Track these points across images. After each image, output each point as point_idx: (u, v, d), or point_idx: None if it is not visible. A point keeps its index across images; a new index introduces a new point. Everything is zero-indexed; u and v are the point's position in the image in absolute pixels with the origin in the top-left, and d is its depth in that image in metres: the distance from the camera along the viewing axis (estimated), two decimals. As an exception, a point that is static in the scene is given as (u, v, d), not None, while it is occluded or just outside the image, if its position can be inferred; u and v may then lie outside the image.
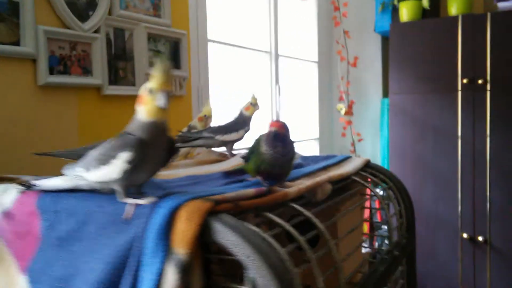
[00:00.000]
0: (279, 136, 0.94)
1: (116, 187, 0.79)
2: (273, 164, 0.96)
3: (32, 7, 1.37)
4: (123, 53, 1.68)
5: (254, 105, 1.49)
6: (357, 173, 1.32)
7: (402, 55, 2.77)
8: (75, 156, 0.90)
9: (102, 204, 0.80)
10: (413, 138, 2.75)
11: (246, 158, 1.03)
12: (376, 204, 2.80)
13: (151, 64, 1.78)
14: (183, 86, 1.95)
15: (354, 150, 3.27)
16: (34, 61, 1.39)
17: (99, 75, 1.57)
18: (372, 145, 3.33)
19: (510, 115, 2.50)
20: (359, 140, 3.29)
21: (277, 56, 2.82)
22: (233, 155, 1.50)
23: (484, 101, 2.55)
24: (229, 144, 1.49)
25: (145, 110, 0.77)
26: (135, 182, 0.81)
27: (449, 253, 2.67)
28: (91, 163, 0.80)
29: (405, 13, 2.80)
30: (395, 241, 1.34)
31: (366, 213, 2.47)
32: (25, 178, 1.00)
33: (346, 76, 3.30)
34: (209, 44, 2.18)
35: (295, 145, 1.00)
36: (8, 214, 0.88)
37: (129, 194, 0.80)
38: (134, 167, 0.77)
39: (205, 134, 1.46)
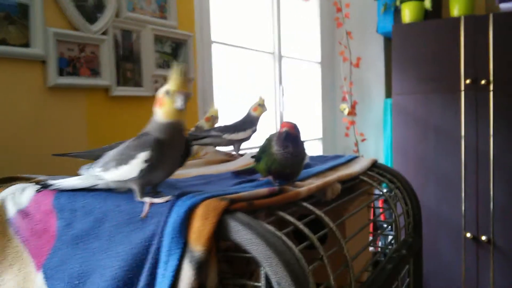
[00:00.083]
0: (290, 137, 0.96)
1: (134, 186, 0.81)
2: (284, 164, 0.97)
3: (42, 9, 1.38)
4: (130, 55, 1.70)
5: (261, 106, 1.51)
6: (364, 173, 1.33)
7: (405, 56, 2.78)
8: (93, 156, 0.92)
9: (119, 203, 0.81)
10: (416, 138, 2.77)
11: (256, 158, 1.05)
12: (380, 204, 2.81)
13: (157, 65, 1.80)
14: (189, 87, 1.97)
15: (358, 150, 3.28)
16: (43, 62, 1.41)
17: (107, 76, 1.59)
18: (375, 145, 3.34)
19: (513, 115, 2.51)
20: (362, 140, 3.30)
21: (280, 57, 2.84)
22: (241, 154, 1.52)
23: (487, 101, 2.56)
24: (236, 143, 1.50)
25: (163, 111, 0.78)
26: (153, 181, 0.82)
27: (452, 252, 2.68)
28: (110, 163, 0.82)
29: (407, 14, 2.81)
30: (402, 240, 1.36)
31: (372, 213, 2.48)
32: (41, 177, 1.02)
33: (349, 76, 3.32)
34: (213, 46, 2.20)
35: (305, 144, 1.02)
36: (25, 213, 0.90)
37: (145, 193, 0.81)
38: (152, 166, 0.78)
39: (213, 133, 1.48)
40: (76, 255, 0.83)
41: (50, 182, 0.90)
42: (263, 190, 0.87)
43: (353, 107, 3.29)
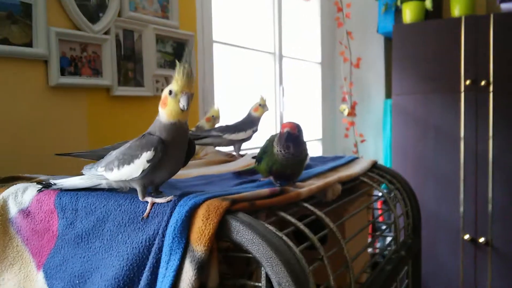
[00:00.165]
0: (292, 137, 0.96)
1: (136, 186, 0.82)
2: (286, 164, 0.98)
3: (44, 9, 1.39)
4: (132, 54, 1.70)
5: (262, 106, 1.51)
6: (365, 174, 1.34)
7: (405, 56, 2.79)
8: (95, 156, 0.92)
9: (121, 203, 0.82)
10: (415, 138, 2.77)
11: (258, 158, 1.05)
12: (378, 205, 2.82)
13: (159, 65, 1.80)
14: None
15: (357, 151, 3.29)
16: (45, 62, 1.41)
17: (108, 76, 1.59)
18: (375, 146, 3.34)
19: (513, 116, 2.52)
20: (362, 141, 3.31)
21: (281, 57, 2.84)
22: (241, 155, 1.52)
23: (487, 102, 2.56)
24: (237, 143, 1.51)
25: (166, 111, 0.79)
26: (155, 181, 0.83)
27: (450, 254, 2.69)
28: (113, 162, 0.82)
29: (408, 14, 2.82)
30: (401, 241, 1.36)
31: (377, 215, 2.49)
32: (43, 177, 1.02)
33: (349, 77, 3.32)
34: (215, 45, 2.20)
35: (307, 146, 1.02)
36: (26, 213, 0.90)
37: (147, 194, 0.82)
38: (155, 166, 0.79)
39: (214, 133, 1.48)
40: (77, 254, 0.84)
41: (52, 181, 0.91)
42: (265, 190, 0.87)
43: (353, 107, 3.29)
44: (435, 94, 2.70)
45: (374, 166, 1.46)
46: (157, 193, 0.85)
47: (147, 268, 0.74)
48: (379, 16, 3.04)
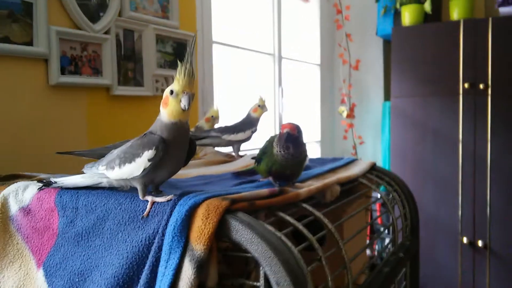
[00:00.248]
0: (292, 138, 0.96)
1: (137, 185, 0.82)
2: (285, 165, 0.98)
3: (45, 8, 1.39)
4: (132, 54, 1.70)
5: (262, 107, 1.52)
6: (363, 175, 1.34)
7: (404, 59, 2.79)
8: (96, 155, 0.92)
9: (121, 202, 0.82)
10: (414, 141, 2.78)
11: (257, 159, 1.06)
12: (377, 207, 2.83)
13: (158, 65, 1.81)
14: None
15: (356, 153, 3.30)
16: (46, 61, 1.42)
17: (108, 76, 1.59)
18: (374, 148, 3.35)
19: (511, 119, 2.53)
20: (361, 143, 3.31)
21: (280, 58, 2.85)
22: (240, 155, 1.53)
23: (485, 105, 2.57)
24: (235, 144, 1.51)
25: (167, 111, 0.79)
26: (156, 180, 0.83)
27: (448, 256, 2.69)
28: (115, 161, 0.83)
29: (407, 17, 2.83)
30: (400, 243, 1.37)
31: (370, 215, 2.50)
32: (44, 176, 1.02)
33: (348, 79, 3.33)
34: (214, 46, 2.21)
35: (307, 146, 1.02)
36: (27, 210, 0.90)
37: (148, 193, 0.82)
38: (156, 165, 0.79)
39: (213, 134, 1.49)
40: (77, 252, 0.84)
41: (53, 180, 0.91)
42: (264, 190, 0.88)
43: (351, 109, 3.30)
44: (433, 97, 2.71)
45: (373, 168, 1.47)
46: (157, 192, 0.85)
47: (146, 267, 0.75)
48: (378, 19, 3.05)
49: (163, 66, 1.83)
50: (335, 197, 1.09)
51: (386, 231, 2.73)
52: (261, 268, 0.72)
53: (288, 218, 0.86)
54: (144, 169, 0.79)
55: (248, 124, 1.52)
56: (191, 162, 1.44)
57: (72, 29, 1.48)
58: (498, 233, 2.56)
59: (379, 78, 3.32)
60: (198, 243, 0.72)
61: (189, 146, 0.85)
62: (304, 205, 0.94)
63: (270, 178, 1.03)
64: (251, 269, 0.91)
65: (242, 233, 0.72)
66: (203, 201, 0.76)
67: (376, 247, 2.78)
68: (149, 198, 0.80)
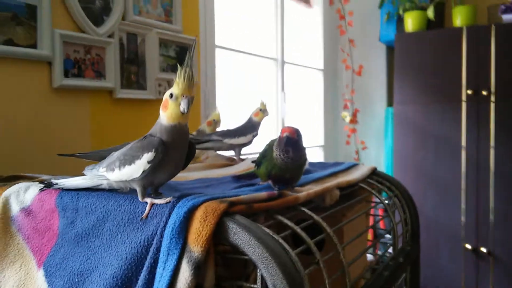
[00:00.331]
0: (291, 142, 0.97)
1: (136, 187, 0.83)
2: (284, 169, 0.99)
3: (49, 11, 1.41)
4: (135, 58, 1.72)
5: (263, 111, 1.52)
6: (364, 180, 1.35)
7: (407, 65, 2.80)
8: (97, 157, 0.93)
9: (121, 203, 0.83)
10: (416, 147, 2.78)
11: (257, 162, 1.06)
12: (379, 212, 2.82)
13: (161, 69, 1.82)
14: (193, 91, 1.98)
15: (358, 158, 3.30)
16: (49, 64, 1.43)
17: (111, 79, 1.61)
18: (376, 153, 3.35)
19: (514, 126, 2.53)
20: (363, 149, 3.32)
21: (283, 63, 2.86)
22: (242, 159, 1.53)
23: (488, 112, 2.57)
24: (237, 147, 1.52)
25: (167, 114, 0.80)
26: (155, 182, 0.84)
27: (451, 262, 2.69)
28: (115, 163, 0.83)
29: (410, 23, 2.84)
30: (400, 248, 1.37)
31: (371, 220, 2.49)
32: (45, 177, 1.03)
33: (351, 84, 3.34)
34: (217, 50, 2.22)
35: (306, 151, 1.03)
36: (28, 211, 0.91)
37: (147, 195, 0.83)
38: (156, 167, 0.80)
39: (214, 137, 1.50)
40: (77, 253, 0.85)
41: (54, 181, 0.92)
42: (263, 194, 0.88)
43: (354, 115, 3.31)
44: (436, 103, 2.71)
45: (374, 173, 1.47)
46: (157, 195, 0.86)
47: (145, 268, 0.75)
48: (381, 25, 3.06)
49: (166, 70, 1.84)
50: (334, 201, 1.10)
51: (388, 236, 2.73)
52: (258, 270, 0.73)
53: (286, 221, 0.86)
54: (143, 171, 0.80)
55: (250, 128, 1.53)
56: (192, 165, 1.45)
57: (76, 32, 1.49)
58: (501, 239, 2.55)
59: (382, 84, 3.33)
60: (195, 245, 0.72)
61: (188, 149, 0.85)
62: (303, 208, 0.95)
63: (270, 182, 1.03)
64: (250, 272, 0.92)
65: (239, 236, 0.73)
66: (201, 203, 0.76)
67: (379, 252, 2.77)
68: (148, 200, 0.81)
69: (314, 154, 3.29)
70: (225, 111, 2.30)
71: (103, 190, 0.89)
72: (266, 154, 1.03)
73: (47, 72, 1.43)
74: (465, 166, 2.63)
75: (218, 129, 1.68)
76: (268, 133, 2.69)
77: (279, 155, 0.98)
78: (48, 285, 0.85)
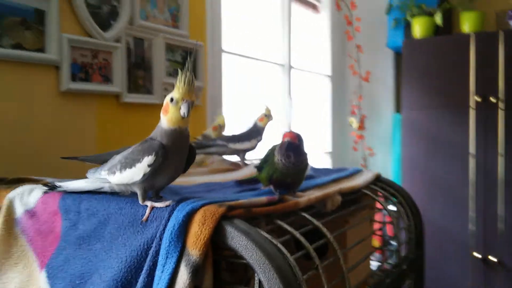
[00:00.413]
0: (293, 146, 0.97)
1: (137, 190, 0.84)
2: (286, 173, 0.99)
3: (57, 16, 1.43)
4: (142, 62, 1.73)
5: (267, 116, 1.53)
6: (367, 186, 1.34)
7: (415, 71, 2.79)
8: (99, 161, 0.94)
9: (122, 206, 0.84)
10: (424, 154, 2.76)
11: (259, 167, 1.07)
12: (388, 219, 2.81)
13: (168, 74, 1.83)
14: (199, 96, 2.00)
15: (365, 165, 3.29)
16: (57, 67, 1.45)
17: (118, 83, 1.62)
18: (384, 160, 3.34)
19: (522, 133, 2.51)
20: (371, 155, 3.31)
21: (290, 68, 2.86)
22: (246, 164, 1.54)
23: (496, 119, 2.55)
24: (241, 152, 1.53)
25: (167, 118, 0.81)
26: (157, 185, 0.85)
27: (459, 271, 2.65)
28: (116, 166, 0.85)
29: (418, 30, 2.83)
30: (403, 255, 1.36)
31: (377, 227, 2.48)
32: (49, 180, 1.05)
33: (358, 90, 3.34)
34: (224, 55, 2.23)
35: (308, 156, 1.03)
36: (31, 213, 0.93)
37: (148, 198, 0.84)
38: (156, 170, 0.81)
39: (219, 142, 1.50)
40: (78, 255, 0.86)
41: (57, 184, 0.93)
42: (263, 198, 0.89)
43: (362, 121, 3.30)
44: (444, 110, 2.70)
45: (378, 179, 1.47)
46: (158, 198, 0.87)
47: (144, 271, 0.76)
48: (389, 31, 3.06)
49: (172, 74, 1.86)
50: (336, 207, 1.10)
51: (396, 244, 2.71)
52: (256, 274, 0.73)
53: (286, 226, 0.87)
54: (144, 174, 0.81)
55: (254, 133, 1.53)
56: (197, 170, 1.45)
57: (83, 37, 1.51)
58: (510, 248, 2.52)
59: (389, 90, 3.32)
60: (194, 248, 0.73)
61: (189, 152, 0.86)
62: (304, 214, 0.95)
63: (271, 187, 1.03)
64: (250, 276, 0.92)
65: (237, 240, 0.73)
66: (200, 207, 0.77)
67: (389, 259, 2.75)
68: (149, 203, 0.81)
69: (321, 160, 3.28)
70: (232, 116, 2.31)
71: (105, 193, 0.90)
72: (268, 159, 1.03)
73: (55, 76, 1.45)
74: (474, 173, 2.61)
75: (224, 134, 1.69)
76: (274, 139, 2.69)
77: (281, 160, 0.98)
78: (50, 287, 0.86)
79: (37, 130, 1.40)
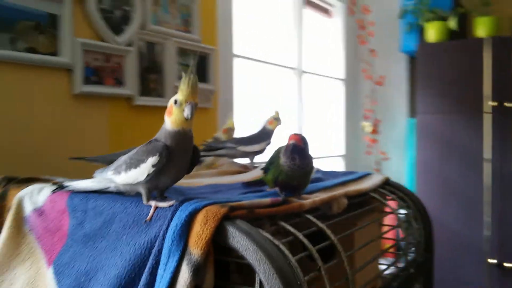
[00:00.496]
0: (298, 149, 0.98)
1: (142, 190, 0.85)
2: (291, 175, 1.00)
3: (71, 20, 1.46)
4: (154, 66, 1.76)
5: (277, 119, 1.54)
6: (375, 190, 1.34)
7: (429, 76, 2.77)
8: (106, 161, 0.96)
9: (127, 206, 0.85)
10: (439, 158, 2.74)
11: (265, 169, 1.07)
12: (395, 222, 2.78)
13: (179, 77, 1.85)
14: (210, 99, 2.01)
15: (379, 169, 3.27)
16: (70, 71, 1.48)
17: (130, 86, 1.65)
18: (398, 164, 3.32)
19: (538, 139, 2.47)
20: (385, 159, 3.29)
21: (302, 72, 2.87)
22: (255, 166, 1.55)
23: (511, 124, 2.52)
24: (250, 155, 1.53)
25: (171, 120, 0.83)
26: (160, 186, 0.86)
27: (474, 277, 2.62)
28: (121, 166, 0.86)
29: (432, 34, 2.81)
30: (411, 259, 1.35)
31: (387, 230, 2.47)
32: (59, 179, 1.07)
33: (372, 94, 3.32)
34: (236, 59, 2.25)
35: (313, 158, 1.03)
36: (40, 211, 0.95)
37: (152, 198, 0.85)
38: (160, 171, 0.82)
39: (228, 145, 1.51)
40: (84, 253, 0.87)
41: (66, 183, 0.95)
42: (266, 199, 0.89)
43: (375, 125, 3.29)
44: (459, 114, 2.68)
45: (387, 183, 1.46)
46: (162, 198, 0.88)
47: (146, 269, 0.77)
48: (403, 35, 3.04)
49: (184, 78, 1.88)
50: (342, 210, 1.10)
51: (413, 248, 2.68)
52: (257, 274, 0.74)
53: (288, 227, 0.87)
54: (148, 175, 0.82)
55: (264, 136, 1.54)
56: (206, 171, 1.47)
57: (96, 41, 1.54)
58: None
59: (403, 94, 3.30)
60: (195, 248, 0.74)
61: (193, 154, 0.87)
62: (308, 216, 0.95)
63: (277, 189, 1.04)
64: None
65: (238, 240, 0.74)
66: (203, 207, 0.78)
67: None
68: (152, 203, 0.83)
69: (335, 163, 3.28)
70: (244, 119, 2.32)
71: (111, 192, 0.92)
72: (273, 161, 1.04)
73: (68, 79, 1.48)
74: (489, 178, 2.58)
75: (233, 137, 1.70)
76: (285, 141, 2.69)
77: (286, 162, 0.99)
78: (57, 284, 0.88)
79: (50, 132, 1.43)
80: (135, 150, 0.87)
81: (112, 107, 1.62)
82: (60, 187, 0.95)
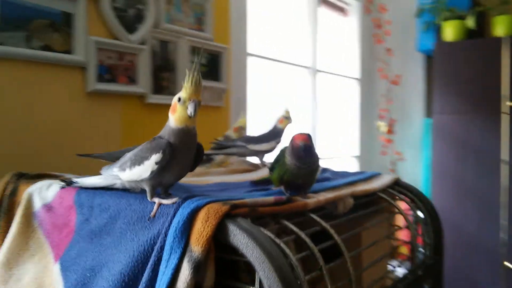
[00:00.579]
0: (303, 147, 0.98)
1: (146, 187, 0.86)
2: (296, 174, 1.00)
3: (85, 18, 1.48)
4: (167, 64, 1.77)
5: (287, 118, 1.54)
6: (384, 190, 1.33)
7: (446, 75, 2.74)
8: (113, 158, 0.98)
9: (131, 202, 0.86)
10: (455, 159, 2.70)
11: (271, 168, 1.08)
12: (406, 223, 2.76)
13: (192, 76, 1.87)
14: (222, 98, 2.02)
15: (394, 169, 3.24)
16: (83, 69, 1.50)
17: (143, 84, 1.67)
18: (413, 165, 3.29)
19: (556, 140, 2.42)
20: (400, 160, 3.26)
21: (316, 71, 2.86)
22: (265, 165, 1.55)
23: (529, 125, 2.48)
24: (260, 153, 1.54)
25: (175, 117, 0.84)
26: (163, 183, 0.87)
27: (489, 281, 2.58)
28: (126, 163, 0.88)
29: (449, 33, 2.77)
30: (420, 261, 1.34)
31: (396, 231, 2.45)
32: (68, 176, 1.09)
33: (387, 94, 3.30)
34: (250, 58, 2.25)
35: (319, 157, 1.03)
36: (49, 207, 0.97)
37: (156, 195, 0.86)
38: (163, 168, 0.83)
39: (238, 143, 1.52)
40: (90, 249, 0.89)
41: (74, 179, 0.97)
42: (270, 198, 0.90)
43: (390, 125, 3.26)
44: (476, 114, 2.64)
45: (397, 183, 1.45)
46: (167, 195, 0.89)
47: (149, 265, 0.78)
48: (419, 34, 3.01)
49: (197, 76, 1.89)
50: (348, 210, 1.09)
51: (422, 249, 2.66)
52: (256, 273, 0.74)
53: (291, 226, 0.87)
54: (151, 172, 0.84)
55: (273, 135, 1.54)
56: (216, 169, 1.48)
57: (110, 39, 1.56)
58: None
59: (419, 94, 3.27)
60: (196, 245, 0.74)
61: (196, 151, 0.88)
62: (312, 215, 0.95)
63: (282, 187, 1.04)
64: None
65: (239, 238, 0.74)
66: (205, 205, 0.79)
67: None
68: (156, 200, 0.84)
69: (349, 163, 3.26)
70: (258, 118, 2.33)
71: (117, 189, 0.93)
72: (279, 159, 1.04)
73: (81, 77, 1.50)
74: (506, 180, 2.54)
75: (245, 135, 1.71)
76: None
77: (292, 161, 0.99)
78: (63, 279, 0.90)
79: (63, 129, 1.45)
80: (139, 147, 0.88)
81: (125, 105, 1.64)
82: (69, 183, 0.97)
